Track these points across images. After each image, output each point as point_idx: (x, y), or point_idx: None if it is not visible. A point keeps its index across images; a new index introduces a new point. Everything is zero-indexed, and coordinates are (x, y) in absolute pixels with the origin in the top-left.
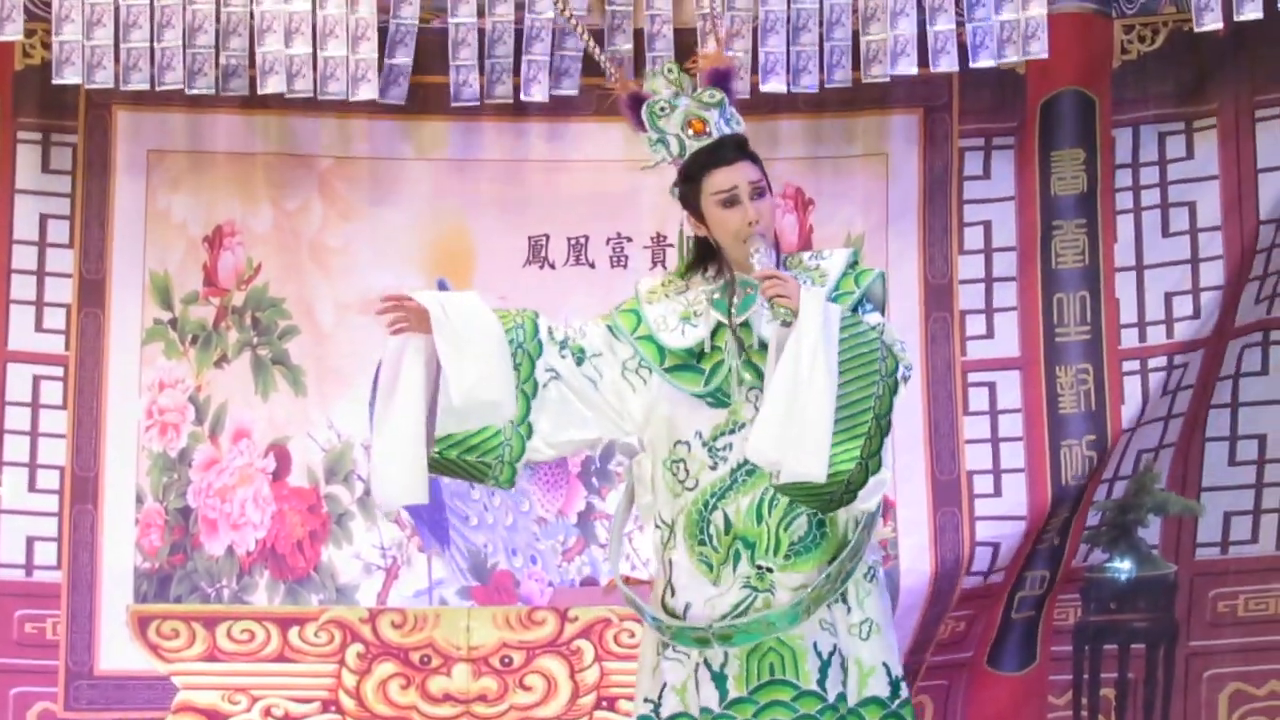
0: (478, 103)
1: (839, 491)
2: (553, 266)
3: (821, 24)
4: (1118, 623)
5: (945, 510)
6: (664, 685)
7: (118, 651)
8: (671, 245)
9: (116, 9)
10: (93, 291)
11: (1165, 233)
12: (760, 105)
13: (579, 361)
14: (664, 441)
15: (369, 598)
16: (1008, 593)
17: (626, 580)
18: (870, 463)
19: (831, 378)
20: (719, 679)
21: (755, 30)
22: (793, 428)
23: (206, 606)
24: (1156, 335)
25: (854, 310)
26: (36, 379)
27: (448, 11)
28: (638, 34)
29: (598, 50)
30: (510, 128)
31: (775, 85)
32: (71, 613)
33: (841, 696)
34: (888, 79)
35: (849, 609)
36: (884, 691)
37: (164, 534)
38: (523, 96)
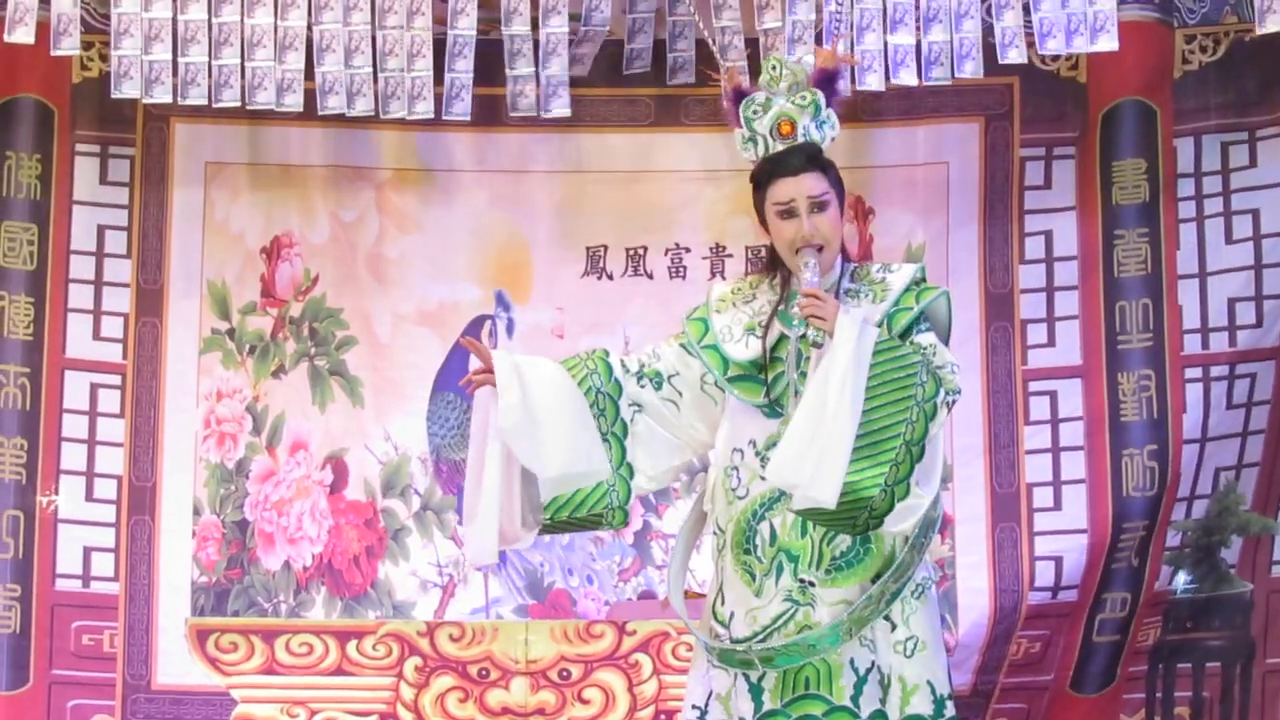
0: (534, 113)
1: (862, 516)
2: (610, 277)
3: (885, 26)
4: (1192, 641)
5: (1004, 526)
6: (710, 693)
7: (176, 664)
8: (730, 255)
9: (175, 25)
10: (150, 301)
11: (1228, 239)
12: None
13: (658, 386)
14: (725, 448)
15: (426, 615)
16: (1087, 614)
17: (688, 595)
18: (896, 489)
19: (857, 404)
20: (755, 690)
21: (819, 35)
22: (812, 452)
23: (265, 619)
24: (1219, 342)
25: (910, 328)
26: (94, 387)
27: (501, 22)
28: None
29: (714, 47)
30: (568, 138)
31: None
32: (129, 625)
33: (880, 714)
34: (949, 82)
35: (894, 626)
36: (927, 710)
37: (221, 547)
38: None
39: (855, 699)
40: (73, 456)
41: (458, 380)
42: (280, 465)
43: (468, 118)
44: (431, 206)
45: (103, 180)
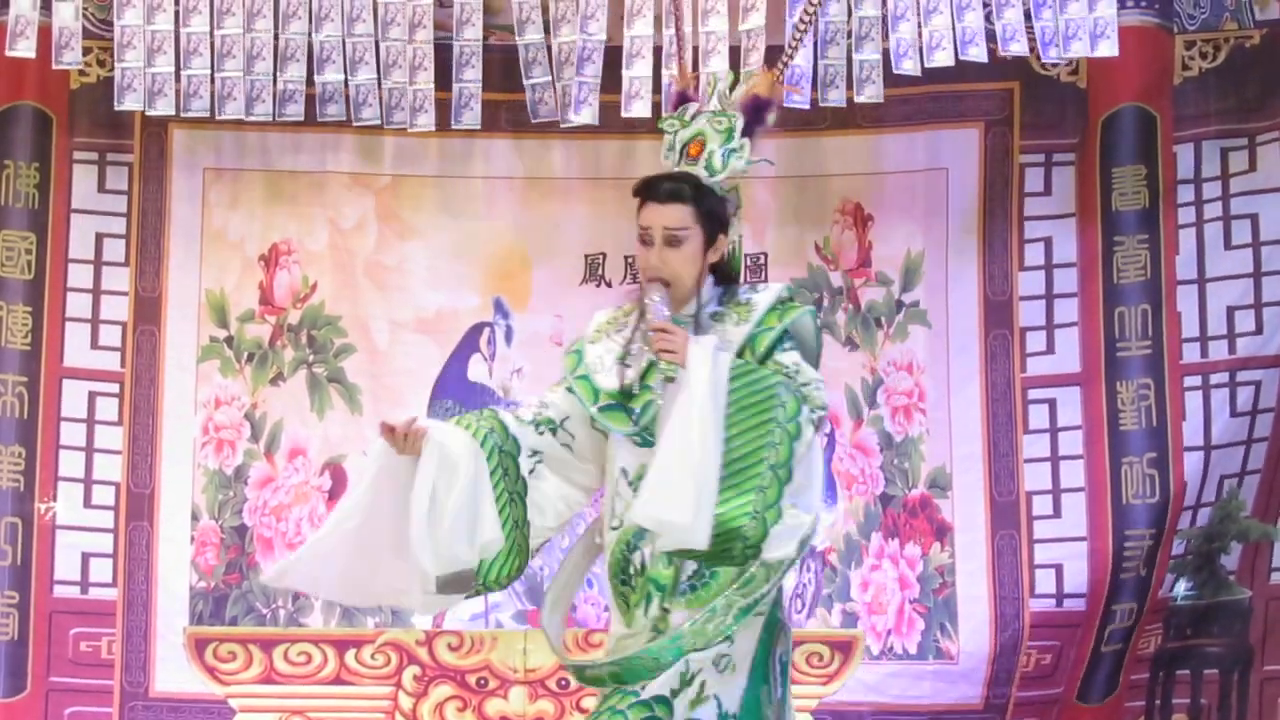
0: (556, 119)
1: (737, 547)
2: (609, 284)
3: (885, 30)
4: (1192, 648)
5: (1003, 534)
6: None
7: (174, 672)
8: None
9: (177, 37)
10: (148, 309)
11: (1227, 245)
12: (819, 119)
13: (554, 432)
14: (609, 478)
15: (425, 622)
16: (1097, 625)
17: None
18: (767, 515)
19: (718, 438)
20: None
21: (816, 42)
22: (678, 493)
23: (263, 629)
24: (1219, 350)
25: (774, 348)
26: (92, 395)
27: (514, 31)
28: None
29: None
30: (567, 146)
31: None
32: (127, 632)
33: (662, 699)
34: (951, 65)
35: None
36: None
37: (219, 553)
38: (573, 116)
39: (676, 693)
40: (71, 464)
41: (456, 387)
42: (279, 471)
43: (478, 126)
44: (430, 214)
45: (101, 188)
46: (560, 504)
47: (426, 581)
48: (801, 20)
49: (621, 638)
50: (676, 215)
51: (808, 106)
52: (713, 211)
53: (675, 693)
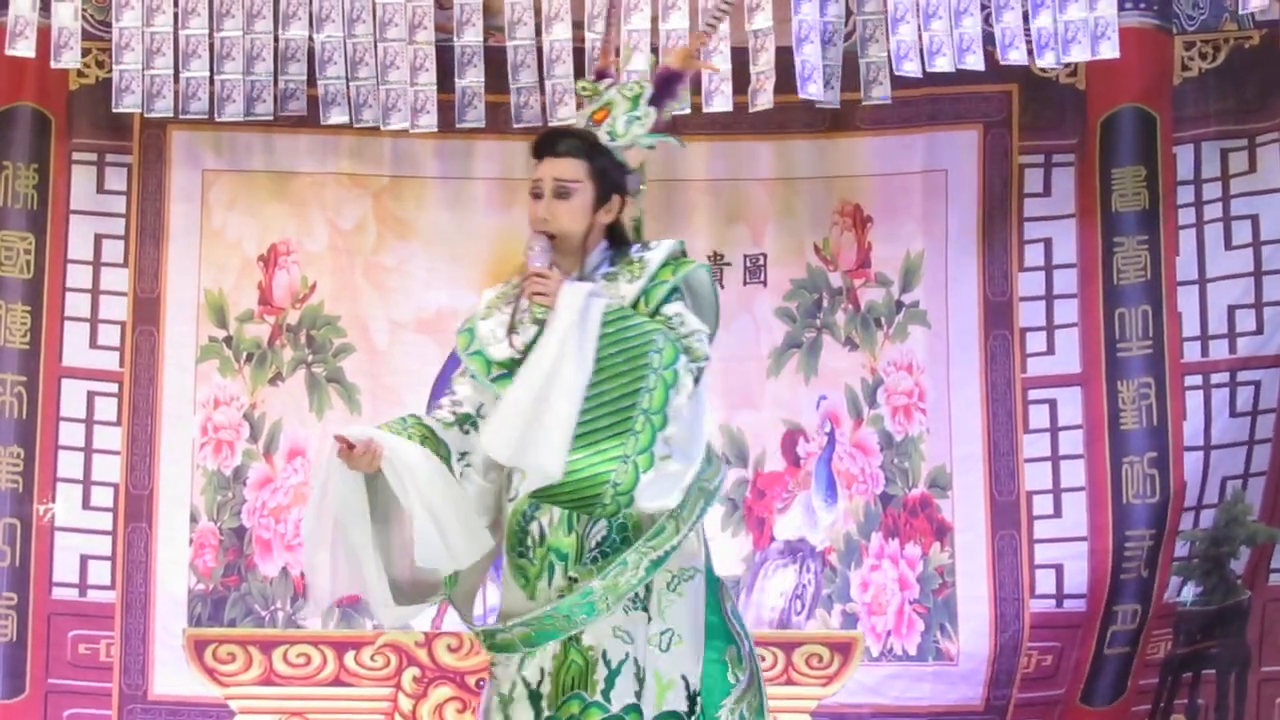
0: (540, 123)
1: (608, 494)
2: None
3: (887, 32)
4: (1198, 652)
5: (1004, 533)
6: (493, 699)
7: (173, 675)
8: (729, 264)
9: (176, 38)
10: (147, 309)
11: (1228, 246)
12: (818, 121)
13: (475, 426)
14: None
15: (423, 624)
16: (1099, 626)
17: None
18: (638, 460)
19: (579, 370)
20: (534, 698)
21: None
22: (532, 425)
23: (263, 630)
24: (1219, 349)
25: (666, 299)
26: (91, 395)
27: (504, 33)
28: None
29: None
30: None
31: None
32: (125, 634)
33: (633, 708)
34: (952, 70)
35: (649, 618)
36: (682, 706)
37: (218, 554)
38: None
39: (606, 693)
40: (69, 465)
41: None
42: (278, 472)
43: (482, 125)
44: (429, 214)
45: (100, 189)
46: (490, 499)
47: (385, 593)
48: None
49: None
50: (568, 168)
51: (836, 105)
52: (606, 170)
53: (639, 694)
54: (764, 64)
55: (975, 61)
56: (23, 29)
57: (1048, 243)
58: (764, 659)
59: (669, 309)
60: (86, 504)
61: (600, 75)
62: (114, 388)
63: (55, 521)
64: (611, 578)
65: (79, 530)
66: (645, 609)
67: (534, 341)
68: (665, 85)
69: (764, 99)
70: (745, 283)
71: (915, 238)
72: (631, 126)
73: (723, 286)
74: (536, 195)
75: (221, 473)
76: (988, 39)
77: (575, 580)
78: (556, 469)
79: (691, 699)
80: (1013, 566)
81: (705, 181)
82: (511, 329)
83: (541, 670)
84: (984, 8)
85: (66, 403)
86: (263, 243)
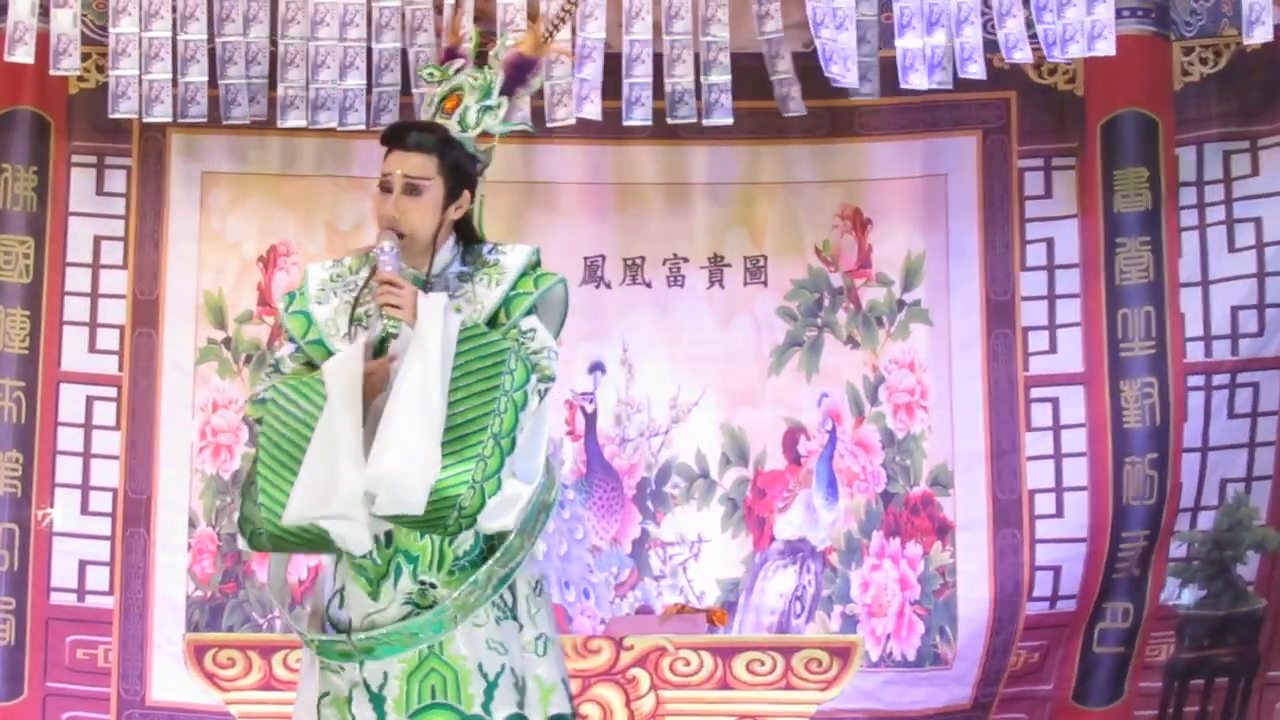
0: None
1: (452, 516)
2: (609, 286)
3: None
4: (1208, 658)
5: (1005, 532)
6: (324, 694)
7: (171, 680)
8: (729, 265)
9: (174, 44)
10: (146, 312)
11: (1231, 248)
12: (817, 127)
13: None
14: None
15: None
16: (1086, 624)
17: (681, 610)
18: (486, 485)
19: (443, 400)
20: (377, 700)
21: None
22: (398, 453)
23: (262, 635)
24: (1222, 350)
25: (526, 313)
26: (89, 399)
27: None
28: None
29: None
30: (566, 150)
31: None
32: (123, 640)
33: (518, 717)
34: (950, 87)
35: (520, 626)
36: (566, 709)
37: (216, 560)
38: (576, 114)
39: (487, 705)
40: (68, 469)
41: None
42: None
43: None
44: None
45: (99, 191)
46: None
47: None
48: None
49: (370, 614)
50: (418, 164)
51: (857, 85)
52: (458, 165)
53: (521, 704)
54: (784, 69)
55: (977, 70)
56: (22, 35)
57: (1049, 243)
58: (763, 664)
59: (525, 323)
60: (85, 509)
61: (449, 55)
62: (113, 392)
63: (54, 526)
64: (463, 596)
65: (77, 535)
66: (515, 617)
67: (384, 340)
68: (516, 73)
69: (795, 105)
70: (745, 283)
71: (916, 239)
72: (483, 117)
73: (722, 287)
74: (385, 190)
75: (220, 477)
76: (989, 46)
77: (429, 585)
78: (418, 505)
79: (570, 699)
80: (1014, 566)
81: (705, 184)
82: (353, 321)
83: (385, 674)
84: (984, 13)
85: (65, 407)
86: (262, 244)
